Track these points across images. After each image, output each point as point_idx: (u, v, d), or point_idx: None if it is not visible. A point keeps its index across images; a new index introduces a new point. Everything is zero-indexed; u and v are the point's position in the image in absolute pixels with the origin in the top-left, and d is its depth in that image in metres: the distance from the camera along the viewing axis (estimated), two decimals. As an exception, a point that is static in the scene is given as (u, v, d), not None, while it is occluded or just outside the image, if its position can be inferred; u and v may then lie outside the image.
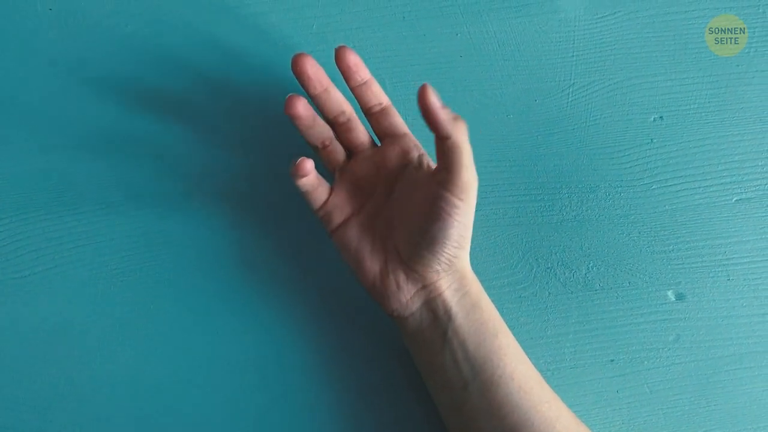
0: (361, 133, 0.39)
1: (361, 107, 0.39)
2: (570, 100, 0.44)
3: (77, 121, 0.43)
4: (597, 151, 0.43)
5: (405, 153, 0.38)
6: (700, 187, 0.43)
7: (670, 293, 0.41)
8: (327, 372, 0.40)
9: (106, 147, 0.42)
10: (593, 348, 0.41)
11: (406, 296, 0.36)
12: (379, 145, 0.40)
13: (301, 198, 0.42)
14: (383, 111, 0.39)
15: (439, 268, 0.35)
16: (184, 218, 0.42)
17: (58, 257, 0.41)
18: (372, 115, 0.39)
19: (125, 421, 0.39)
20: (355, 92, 0.38)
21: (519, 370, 0.35)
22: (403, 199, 0.37)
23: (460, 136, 0.32)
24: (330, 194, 0.38)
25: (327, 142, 0.38)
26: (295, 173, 0.36)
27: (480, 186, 0.42)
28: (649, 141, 0.43)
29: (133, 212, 0.42)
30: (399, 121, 0.39)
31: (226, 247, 0.42)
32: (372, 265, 0.37)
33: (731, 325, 0.41)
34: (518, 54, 0.44)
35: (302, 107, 0.36)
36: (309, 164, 0.36)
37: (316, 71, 0.37)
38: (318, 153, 0.39)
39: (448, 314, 0.35)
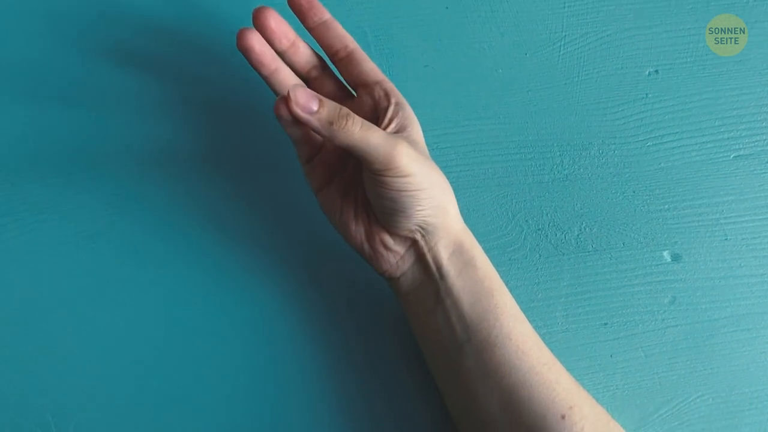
0: (336, 86, 0.37)
1: (325, 53, 0.36)
2: (561, 53, 0.42)
3: (42, 81, 0.40)
4: (589, 107, 0.41)
5: (377, 105, 0.36)
6: (696, 144, 0.41)
7: (665, 254, 0.40)
8: (315, 344, 0.39)
9: (75, 105, 0.40)
10: (586, 311, 0.39)
11: (396, 257, 0.35)
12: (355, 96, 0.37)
13: (286, 166, 0.40)
14: (350, 56, 0.36)
15: (416, 228, 0.34)
16: (157, 181, 0.40)
17: (24, 224, 0.39)
18: (339, 62, 0.36)
19: (98, 389, 0.38)
20: (314, 35, 0.36)
21: (517, 330, 0.33)
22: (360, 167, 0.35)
23: (344, 135, 0.30)
24: (320, 149, 0.36)
25: None
26: (282, 110, 0.31)
27: (467, 144, 0.41)
28: (644, 96, 0.42)
29: (101, 176, 0.40)
30: (370, 67, 0.36)
31: (199, 212, 0.40)
32: (357, 228, 0.35)
33: (729, 286, 0.40)
34: (507, 5, 0.42)
35: (257, 41, 0.33)
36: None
37: (279, 24, 0.34)
38: None
39: (439, 272, 0.34)
